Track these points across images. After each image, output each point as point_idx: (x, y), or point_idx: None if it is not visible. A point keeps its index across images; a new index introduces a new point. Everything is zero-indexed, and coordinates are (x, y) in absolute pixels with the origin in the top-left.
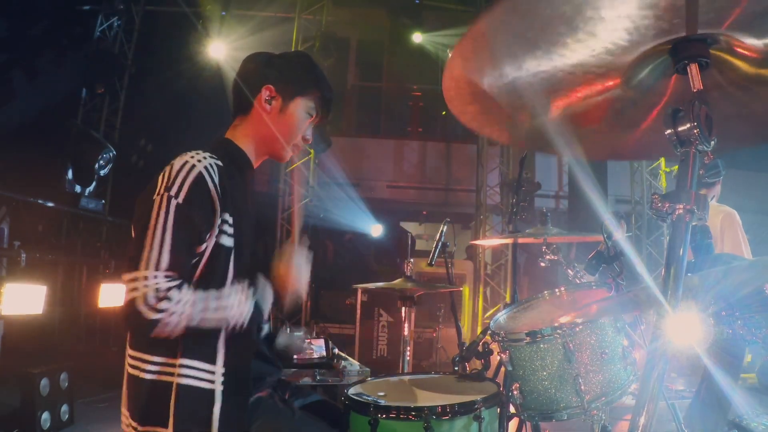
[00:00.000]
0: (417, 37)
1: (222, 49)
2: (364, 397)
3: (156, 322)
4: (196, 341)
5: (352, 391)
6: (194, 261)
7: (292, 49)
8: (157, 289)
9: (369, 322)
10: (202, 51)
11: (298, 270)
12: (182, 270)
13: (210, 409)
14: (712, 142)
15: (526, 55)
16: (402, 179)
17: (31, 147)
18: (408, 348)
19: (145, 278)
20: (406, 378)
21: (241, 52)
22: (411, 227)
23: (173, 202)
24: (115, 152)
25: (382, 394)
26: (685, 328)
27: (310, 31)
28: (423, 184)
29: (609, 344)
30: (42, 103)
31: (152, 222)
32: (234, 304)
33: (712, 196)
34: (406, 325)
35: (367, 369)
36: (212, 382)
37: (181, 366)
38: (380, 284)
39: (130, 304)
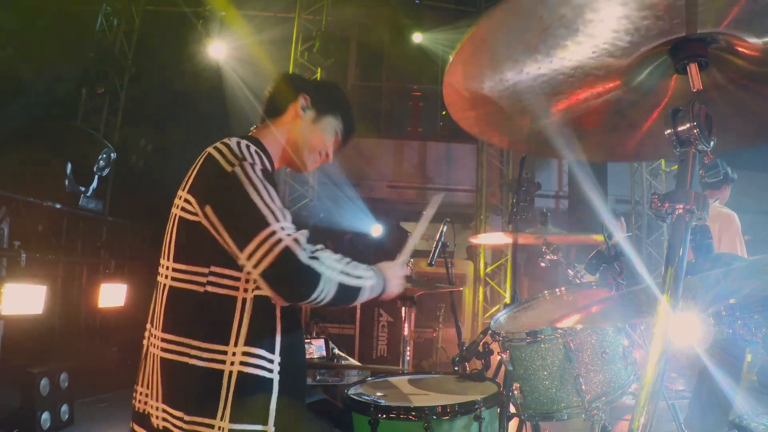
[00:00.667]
0: (417, 37)
1: (222, 49)
2: (364, 397)
3: (319, 276)
4: (256, 328)
5: (352, 391)
6: None
7: (292, 49)
8: (303, 234)
9: (369, 322)
10: (202, 51)
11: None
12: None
13: (268, 399)
14: (712, 142)
15: (526, 59)
16: (402, 179)
17: (31, 147)
18: (408, 348)
19: (282, 228)
20: (406, 378)
21: (241, 52)
22: (411, 227)
23: (257, 168)
24: (115, 152)
25: (381, 394)
26: (685, 328)
27: (310, 31)
28: (423, 184)
29: (609, 344)
30: (42, 103)
31: (249, 187)
32: (367, 274)
33: (716, 198)
34: (406, 325)
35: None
36: (271, 371)
37: (246, 354)
38: None
39: (284, 257)
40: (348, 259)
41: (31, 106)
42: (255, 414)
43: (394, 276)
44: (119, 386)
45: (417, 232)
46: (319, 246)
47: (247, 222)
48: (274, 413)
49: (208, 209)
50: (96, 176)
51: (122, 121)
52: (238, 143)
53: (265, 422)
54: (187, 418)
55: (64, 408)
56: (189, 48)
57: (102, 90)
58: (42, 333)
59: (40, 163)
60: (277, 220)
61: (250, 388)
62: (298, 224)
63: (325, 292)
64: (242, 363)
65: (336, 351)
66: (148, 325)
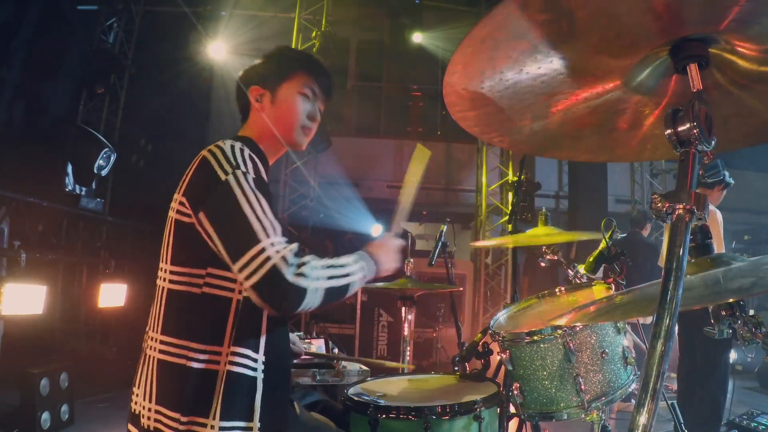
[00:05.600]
0: (417, 37)
1: (222, 49)
2: (364, 397)
3: (303, 291)
4: (243, 328)
5: (352, 391)
6: None
7: None
8: (292, 250)
9: (369, 322)
10: (201, 51)
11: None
12: (287, 237)
13: (253, 397)
14: (713, 142)
15: (526, 59)
16: (402, 179)
17: (31, 147)
18: (408, 348)
19: (272, 245)
20: (406, 378)
21: (241, 52)
22: (411, 227)
23: (249, 177)
24: (115, 152)
25: (381, 394)
26: (684, 327)
27: (310, 31)
28: (423, 184)
29: (609, 344)
30: (42, 103)
31: (242, 198)
32: (356, 270)
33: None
34: (406, 325)
35: (367, 369)
36: (255, 369)
37: (233, 354)
38: (380, 284)
39: (272, 275)
40: (333, 261)
41: (31, 106)
42: (242, 411)
43: (385, 254)
44: (119, 386)
45: (407, 195)
46: (305, 258)
47: (238, 236)
48: (259, 410)
49: (202, 215)
50: (96, 176)
51: (122, 121)
52: (233, 147)
53: (250, 419)
54: (183, 419)
55: (64, 408)
56: (189, 48)
57: (102, 90)
58: (42, 333)
59: (40, 163)
60: (268, 236)
61: (237, 386)
62: (298, 225)
63: (310, 302)
64: (230, 362)
65: (336, 351)
66: (147, 329)
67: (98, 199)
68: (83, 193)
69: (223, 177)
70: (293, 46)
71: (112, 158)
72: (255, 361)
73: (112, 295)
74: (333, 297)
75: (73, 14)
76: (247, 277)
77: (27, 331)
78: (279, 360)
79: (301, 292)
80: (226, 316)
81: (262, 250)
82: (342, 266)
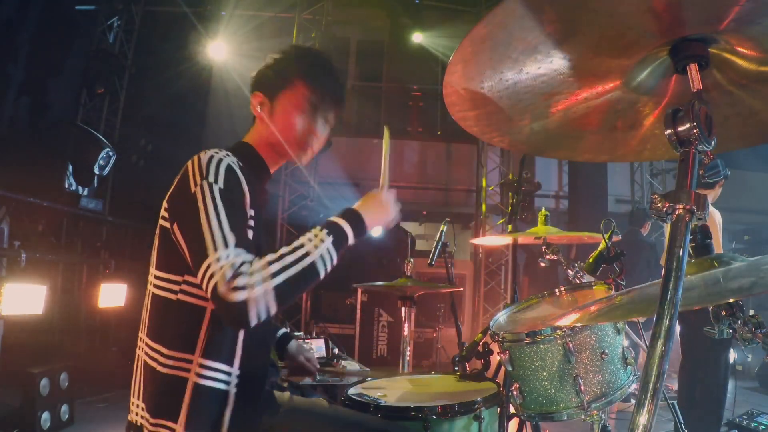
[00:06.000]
0: (417, 37)
1: (222, 49)
2: (365, 397)
3: (243, 304)
4: (217, 341)
5: (352, 391)
6: None
7: None
8: (232, 265)
9: (369, 322)
10: (201, 51)
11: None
12: (248, 245)
13: (222, 410)
14: (713, 142)
15: (526, 59)
16: (402, 179)
17: (31, 147)
18: (408, 348)
19: (217, 260)
20: (406, 378)
21: (241, 52)
22: (411, 227)
23: (215, 188)
24: (115, 152)
25: (382, 394)
26: (685, 327)
27: (310, 31)
28: (423, 184)
29: (609, 344)
30: (42, 103)
31: (202, 210)
32: (311, 245)
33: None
34: (406, 325)
35: (367, 369)
36: (228, 383)
37: (201, 366)
38: (380, 284)
39: (214, 294)
40: (284, 249)
41: (30, 106)
42: (209, 424)
43: (372, 204)
44: (119, 386)
45: (384, 163)
46: (243, 267)
47: (195, 249)
48: (227, 423)
49: (176, 226)
50: (96, 176)
51: (122, 121)
52: (210, 158)
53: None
54: (152, 420)
55: (64, 408)
56: (189, 48)
57: (102, 90)
58: (42, 333)
59: (40, 163)
60: (216, 250)
61: (206, 399)
62: (298, 225)
63: (261, 309)
64: (199, 375)
65: (336, 351)
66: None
67: (98, 199)
68: (83, 193)
69: (192, 188)
70: None
71: (112, 158)
72: (228, 375)
73: (112, 295)
74: (296, 286)
75: (73, 14)
76: (205, 291)
77: (27, 331)
78: (255, 374)
79: (241, 307)
80: (198, 325)
81: (208, 267)
82: (295, 249)
